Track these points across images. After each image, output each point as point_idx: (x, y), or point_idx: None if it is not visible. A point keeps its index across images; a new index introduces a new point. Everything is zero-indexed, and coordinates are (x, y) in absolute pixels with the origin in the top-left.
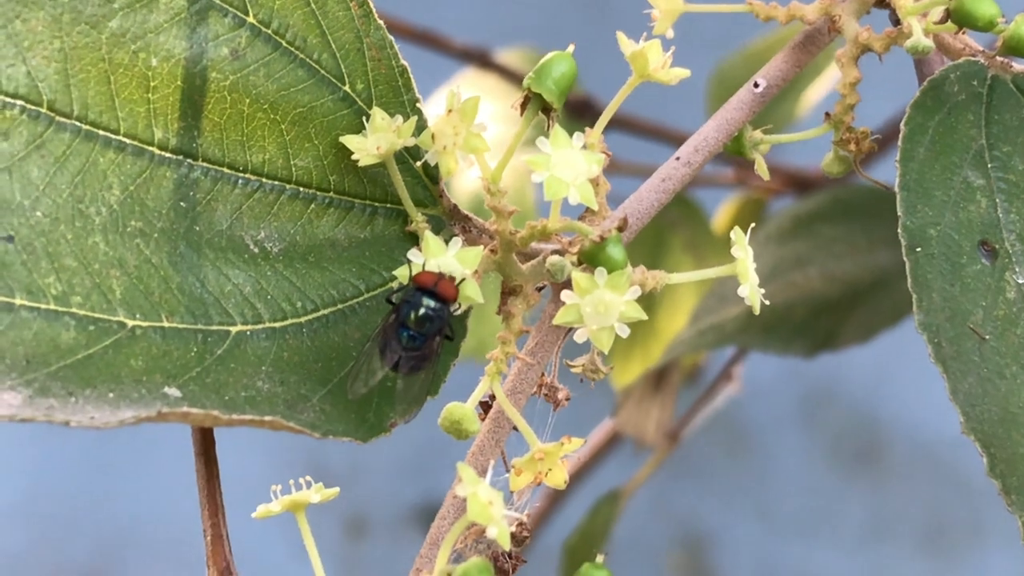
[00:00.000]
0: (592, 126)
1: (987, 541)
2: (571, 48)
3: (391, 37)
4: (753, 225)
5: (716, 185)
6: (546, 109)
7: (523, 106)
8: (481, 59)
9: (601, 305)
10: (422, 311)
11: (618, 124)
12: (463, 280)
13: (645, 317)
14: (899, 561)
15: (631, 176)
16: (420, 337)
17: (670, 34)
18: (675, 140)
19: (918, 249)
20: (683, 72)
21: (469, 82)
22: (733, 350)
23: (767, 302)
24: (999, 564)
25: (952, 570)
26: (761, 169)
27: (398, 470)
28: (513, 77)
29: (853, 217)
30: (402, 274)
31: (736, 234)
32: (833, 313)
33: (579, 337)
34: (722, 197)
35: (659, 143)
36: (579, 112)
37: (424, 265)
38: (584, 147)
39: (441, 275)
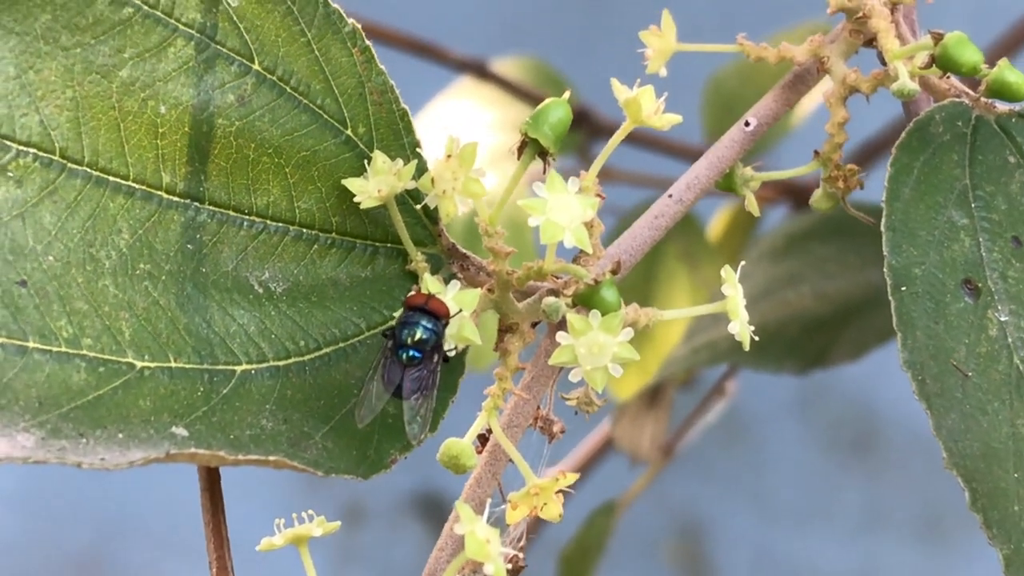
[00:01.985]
0: (587, 136)
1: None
2: (567, 95)
3: (392, 82)
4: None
5: (711, 194)
6: (543, 153)
7: (520, 150)
8: (478, 69)
9: (595, 346)
10: (417, 329)
11: (608, 133)
12: (460, 319)
13: (637, 358)
14: (894, 549)
15: (627, 185)
16: (419, 353)
17: (663, 73)
18: (670, 149)
19: (903, 288)
20: (675, 118)
21: (467, 92)
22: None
23: (753, 330)
24: (993, 552)
25: (947, 558)
26: (752, 206)
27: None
28: (510, 87)
29: (845, 236)
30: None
31: (726, 272)
32: (825, 331)
33: (573, 377)
34: (717, 206)
35: (654, 152)
36: (575, 122)
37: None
38: (579, 191)
39: (431, 295)
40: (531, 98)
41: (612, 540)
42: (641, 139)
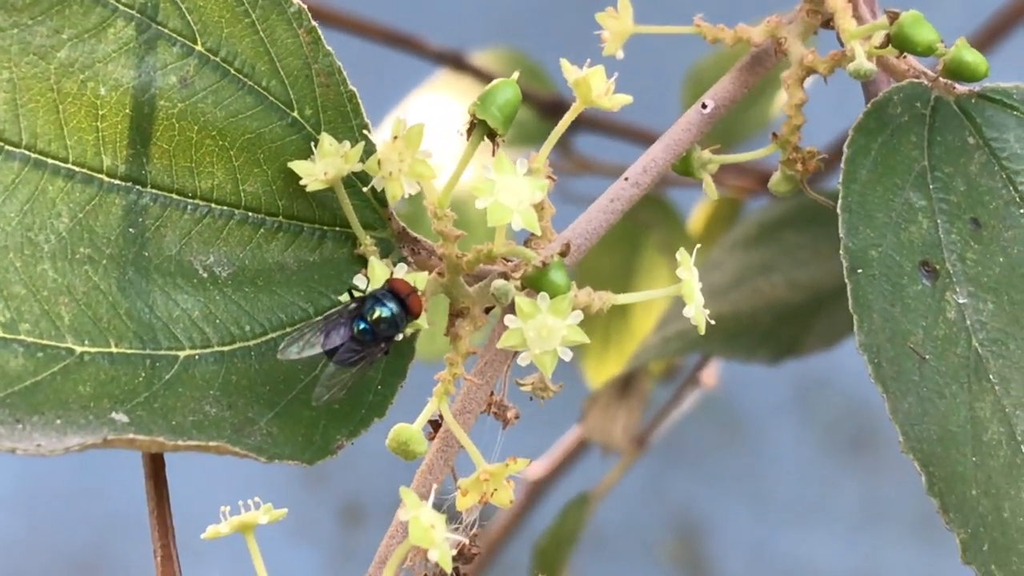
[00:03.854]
0: (568, 128)
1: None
2: (516, 75)
3: (339, 63)
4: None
5: (691, 186)
6: (491, 134)
7: (469, 131)
8: (456, 61)
9: (544, 329)
10: (385, 312)
11: (590, 124)
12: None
13: (587, 341)
14: (892, 546)
15: (604, 176)
16: (371, 335)
17: (620, 55)
18: (648, 140)
19: (859, 271)
20: (625, 99)
21: (444, 84)
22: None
23: (709, 314)
24: None
25: (945, 556)
26: (709, 189)
27: (393, 456)
28: (488, 79)
29: (818, 224)
30: (345, 297)
31: (681, 255)
32: (798, 320)
33: (523, 360)
34: (697, 197)
35: (631, 143)
36: (551, 112)
37: (367, 288)
38: (528, 172)
39: (415, 289)
40: None
41: (608, 537)
42: (619, 130)
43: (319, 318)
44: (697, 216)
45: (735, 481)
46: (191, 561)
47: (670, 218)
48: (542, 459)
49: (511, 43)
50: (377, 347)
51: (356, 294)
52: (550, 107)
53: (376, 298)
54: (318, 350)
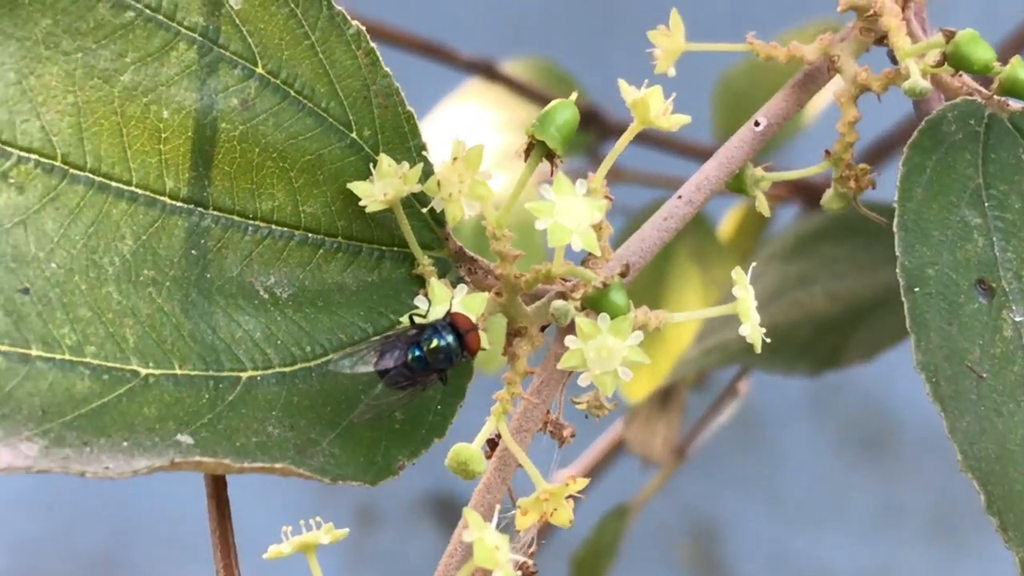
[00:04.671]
0: (596, 137)
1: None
2: (574, 96)
3: (397, 84)
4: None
5: (722, 194)
6: (550, 155)
7: (527, 152)
8: (487, 70)
9: (604, 350)
10: (442, 344)
11: (619, 132)
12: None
13: (648, 362)
14: (908, 549)
15: (636, 185)
16: (424, 365)
17: (672, 73)
18: (679, 149)
19: (916, 289)
20: (683, 119)
21: (474, 94)
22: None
23: (764, 332)
24: (1007, 552)
25: (961, 558)
26: (762, 207)
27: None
28: (519, 88)
29: (856, 235)
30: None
31: (737, 274)
32: (837, 332)
33: (583, 381)
34: (728, 205)
35: (663, 152)
36: (585, 122)
37: (428, 312)
38: (587, 193)
39: (476, 326)
40: (540, 99)
41: (625, 541)
42: (651, 139)
43: (377, 337)
44: (727, 223)
45: (751, 483)
46: (201, 571)
47: (701, 225)
48: (570, 468)
49: (526, 47)
50: (427, 376)
51: (416, 318)
52: (585, 117)
53: (436, 329)
54: (370, 369)
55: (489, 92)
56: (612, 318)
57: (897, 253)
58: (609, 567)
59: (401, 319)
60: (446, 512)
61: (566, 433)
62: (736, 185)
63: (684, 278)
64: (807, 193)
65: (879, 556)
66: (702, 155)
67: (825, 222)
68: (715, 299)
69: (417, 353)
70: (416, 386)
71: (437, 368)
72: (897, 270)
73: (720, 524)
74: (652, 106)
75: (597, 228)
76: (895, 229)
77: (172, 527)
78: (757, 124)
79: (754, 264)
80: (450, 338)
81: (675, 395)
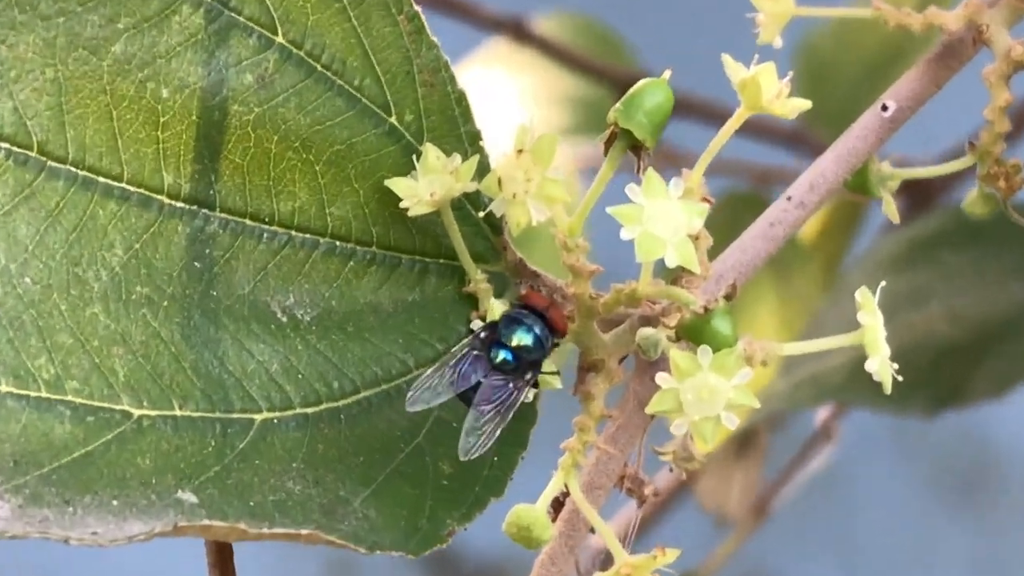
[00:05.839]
0: None
1: None
2: (667, 74)
3: (446, 57)
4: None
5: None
6: (635, 148)
7: (608, 143)
8: (515, 29)
9: (705, 391)
10: (526, 333)
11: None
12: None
13: (758, 405)
14: None
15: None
16: (515, 361)
17: (778, 43)
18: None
19: None
20: (803, 103)
21: (498, 56)
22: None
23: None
24: None
25: None
26: (890, 210)
27: None
28: (553, 51)
29: (982, 241)
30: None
31: (863, 296)
32: (960, 361)
33: (675, 429)
34: None
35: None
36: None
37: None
38: (682, 195)
39: (554, 301)
40: (578, 64)
41: None
42: (712, 113)
43: (443, 359)
44: (810, 223)
45: (822, 531)
46: None
47: None
48: (616, 517)
49: (564, 4)
50: (523, 377)
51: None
52: (629, 86)
53: (511, 319)
54: (450, 394)
55: (516, 55)
56: (715, 351)
57: None
58: None
59: (473, 325)
60: (442, 568)
61: (647, 490)
62: (858, 184)
63: (755, 290)
64: (912, 187)
65: None
66: (776, 136)
67: (944, 225)
68: (793, 315)
69: (503, 353)
70: (515, 393)
71: (531, 362)
72: None
73: None
74: (765, 87)
75: (694, 239)
76: None
77: None
78: (885, 108)
79: (882, 284)
80: (532, 323)
81: (755, 439)
